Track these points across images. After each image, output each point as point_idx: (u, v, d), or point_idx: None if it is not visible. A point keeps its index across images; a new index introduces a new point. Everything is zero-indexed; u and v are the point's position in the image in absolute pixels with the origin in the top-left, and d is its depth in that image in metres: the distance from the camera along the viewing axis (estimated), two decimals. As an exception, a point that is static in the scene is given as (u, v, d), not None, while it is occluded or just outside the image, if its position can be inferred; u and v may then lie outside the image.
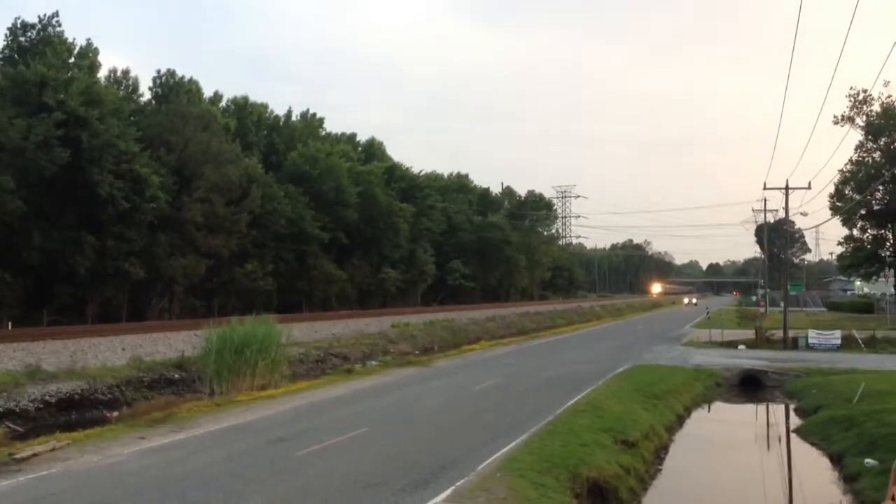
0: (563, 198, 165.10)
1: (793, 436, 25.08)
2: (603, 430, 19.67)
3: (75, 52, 54.29)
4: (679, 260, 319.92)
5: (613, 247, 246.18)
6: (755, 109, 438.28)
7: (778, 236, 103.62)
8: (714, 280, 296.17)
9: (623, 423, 20.99)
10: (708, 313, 69.48)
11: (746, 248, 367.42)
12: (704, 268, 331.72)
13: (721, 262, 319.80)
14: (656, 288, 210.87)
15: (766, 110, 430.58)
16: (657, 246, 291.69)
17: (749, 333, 52.34)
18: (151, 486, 13.98)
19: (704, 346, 47.87)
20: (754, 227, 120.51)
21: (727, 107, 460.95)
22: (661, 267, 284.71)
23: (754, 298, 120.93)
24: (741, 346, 46.74)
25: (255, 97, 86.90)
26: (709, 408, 30.74)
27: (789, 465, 21.86)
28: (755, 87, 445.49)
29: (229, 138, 63.18)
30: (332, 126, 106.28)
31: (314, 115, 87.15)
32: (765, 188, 58.64)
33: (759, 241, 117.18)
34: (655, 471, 19.58)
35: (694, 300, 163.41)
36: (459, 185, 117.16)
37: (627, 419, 21.67)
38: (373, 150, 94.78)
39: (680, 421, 26.45)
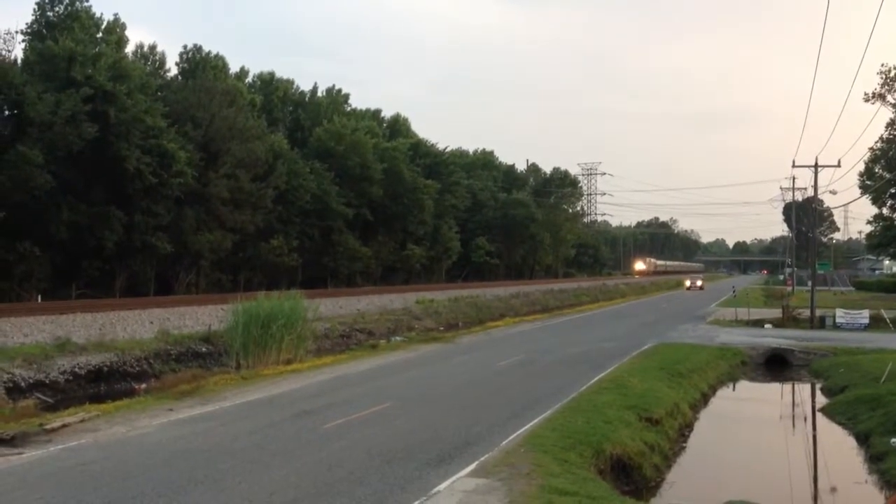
0: (588, 175, 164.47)
1: (818, 415, 24.94)
2: (627, 407, 19.65)
3: (103, 27, 54.61)
4: (705, 238, 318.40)
5: (639, 224, 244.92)
6: (785, 86, 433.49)
7: (806, 215, 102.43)
8: (741, 259, 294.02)
9: (647, 400, 20.95)
10: (734, 292, 69.02)
11: (774, 227, 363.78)
12: (731, 246, 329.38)
13: (748, 241, 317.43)
14: (639, 265, 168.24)
15: (796, 87, 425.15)
16: (683, 224, 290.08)
17: (776, 312, 51.97)
18: (179, 458, 14.15)
19: (730, 324, 47.59)
20: (782, 205, 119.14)
21: (756, 83, 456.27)
22: (688, 245, 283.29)
23: (781, 277, 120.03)
24: (767, 325, 46.43)
25: (281, 73, 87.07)
26: (734, 386, 30.62)
27: (815, 445, 21.77)
28: (785, 63, 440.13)
29: (255, 114, 63.44)
30: (358, 102, 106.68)
31: (339, 90, 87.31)
32: (793, 166, 57.94)
33: (787, 220, 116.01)
34: (680, 448, 19.56)
35: (699, 282, 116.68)
36: (484, 162, 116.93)
37: (651, 397, 21.62)
38: (398, 126, 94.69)
39: (705, 399, 26.37)
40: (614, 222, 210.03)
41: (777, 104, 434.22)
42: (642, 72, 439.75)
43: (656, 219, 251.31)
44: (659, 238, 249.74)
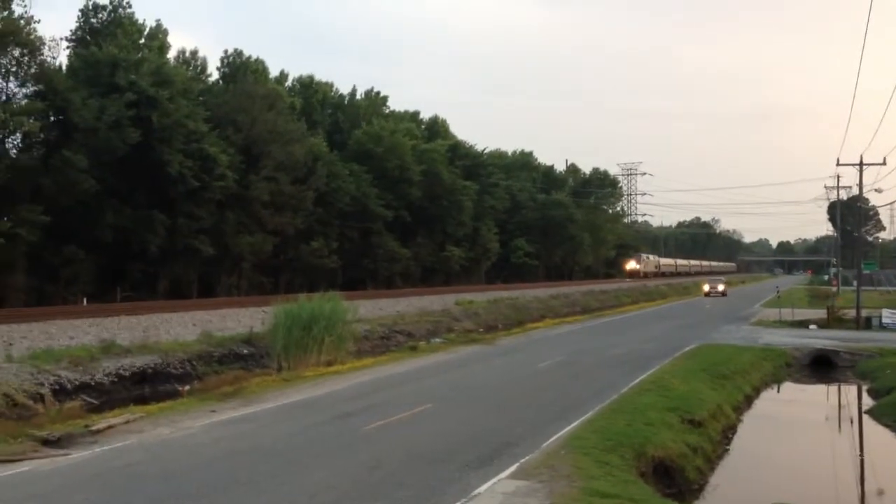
0: (628, 175, 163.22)
1: (865, 417, 24.51)
2: (669, 409, 19.45)
3: (145, 33, 55.38)
4: (748, 238, 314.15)
5: (680, 225, 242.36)
6: (829, 82, 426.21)
7: (851, 213, 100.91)
8: (785, 258, 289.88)
9: (689, 402, 20.73)
10: (778, 292, 68.10)
11: (818, 226, 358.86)
12: (775, 246, 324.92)
13: (792, 241, 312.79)
14: (632, 265, 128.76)
15: (841, 83, 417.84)
16: (726, 224, 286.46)
17: (820, 313, 51.19)
18: (222, 458, 14.29)
19: (774, 325, 46.95)
20: (826, 204, 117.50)
21: (800, 80, 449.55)
22: (730, 245, 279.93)
23: (826, 277, 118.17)
24: (812, 326, 45.76)
25: (321, 76, 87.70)
26: (778, 388, 30.21)
27: (861, 447, 21.38)
28: (829, 59, 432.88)
29: (295, 117, 63.91)
30: (396, 104, 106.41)
31: (378, 93, 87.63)
32: (838, 164, 56.67)
33: (832, 219, 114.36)
34: (723, 451, 19.34)
35: (720, 287, 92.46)
36: (523, 163, 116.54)
37: (694, 398, 21.40)
38: (436, 127, 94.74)
39: (748, 401, 26.04)
40: (655, 223, 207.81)
41: (821, 101, 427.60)
42: (685, 71, 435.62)
43: (698, 219, 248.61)
44: (700, 238, 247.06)
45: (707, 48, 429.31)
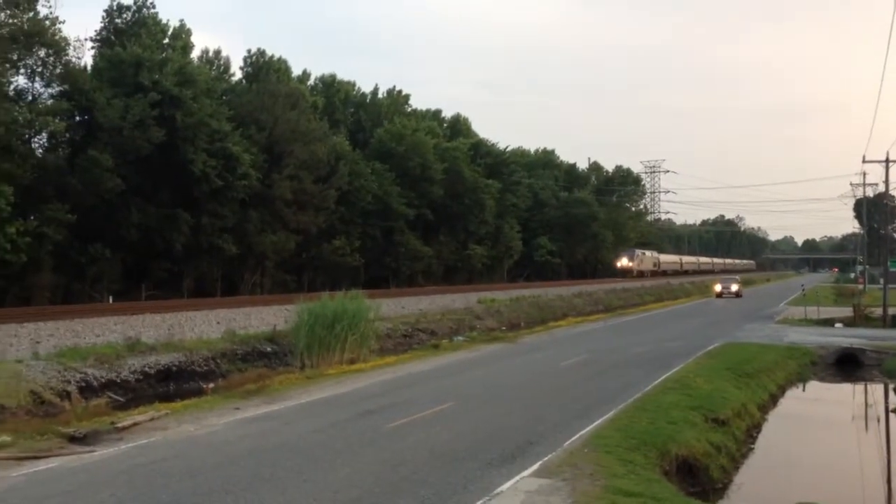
0: (651, 173, 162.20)
1: (892, 416, 24.28)
2: (692, 407, 19.35)
3: (169, 33, 55.69)
4: (773, 236, 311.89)
5: (704, 223, 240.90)
6: (854, 78, 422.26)
7: (878, 211, 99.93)
8: (810, 256, 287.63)
9: (713, 400, 20.61)
10: (803, 290, 67.56)
11: (844, 224, 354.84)
12: (800, 244, 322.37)
13: (817, 238, 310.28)
14: (624, 262, 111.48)
15: (866, 79, 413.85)
16: (750, 222, 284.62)
17: (846, 311, 50.69)
18: (246, 456, 14.37)
19: (799, 323, 46.55)
20: (853, 201, 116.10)
21: (825, 76, 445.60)
22: (754, 243, 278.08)
23: (852, 275, 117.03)
24: (838, 324, 45.31)
25: (343, 75, 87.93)
26: (803, 387, 29.98)
27: (888, 446, 21.19)
28: (854, 55, 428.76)
29: (317, 116, 64.14)
30: (418, 103, 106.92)
31: (400, 91, 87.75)
32: (864, 161, 56.23)
33: (858, 216, 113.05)
34: (748, 450, 19.22)
35: (734, 287, 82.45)
36: (545, 161, 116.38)
37: (718, 397, 21.27)
38: (458, 126, 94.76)
39: (773, 400, 25.86)
40: (679, 220, 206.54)
41: (847, 97, 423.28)
42: (707, 67, 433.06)
43: (722, 216, 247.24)
44: (725, 236, 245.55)
45: (732, 44, 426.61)
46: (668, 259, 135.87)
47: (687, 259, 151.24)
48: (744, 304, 67.24)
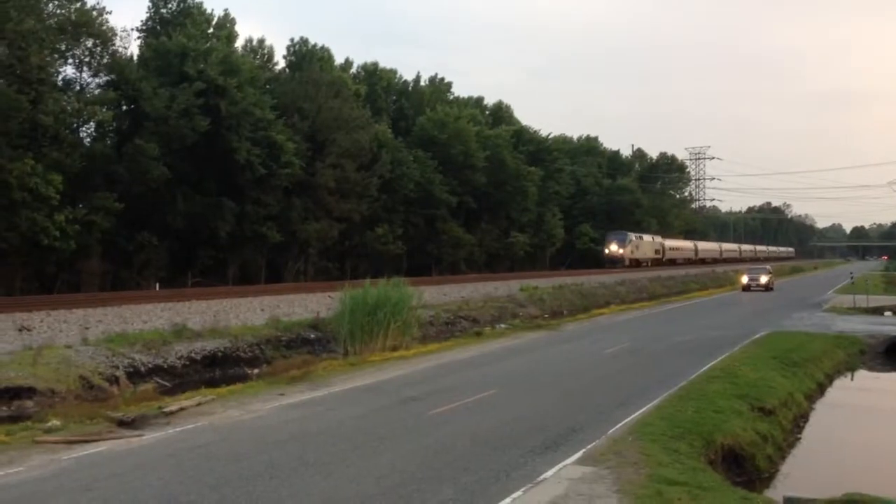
0: (696, 160, 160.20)
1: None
2: (738, 396, 19.12)
3: (213, 22, 56.25)
4: (821, 223, 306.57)
5: (749, 210, 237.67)
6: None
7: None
8: (858, 244, 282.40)
9: (759, 389, 20.33)
10: (852, 278, 66.30)
11: (894, 211, 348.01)
12: (848, 231, 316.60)
13: (866, 226, 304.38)
14: (613, 248, 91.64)
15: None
16: (797, 209, 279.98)
17: (896, 299, 49.72)
18: (290, 441, 14.50)
19: (848, 312, 45.68)
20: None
21: (875, 61, 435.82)
22: (802, 230, 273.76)
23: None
24: (888, 313, 44.46)
25: (385, 63, 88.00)
26: (852, 376, 29.44)
27: (940, 438, 20.73)
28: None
29: (360, 104, 64.28)
30: (460, 90, 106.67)
31: (442, 79, 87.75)
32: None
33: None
34: (794, 439, 18.95)
35: (763, 278, 69.56)
36: (588, 148, 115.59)
37: (764, 386, 20.97)
38: (500, 113, 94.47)
39: (821, 389, 25.44)
40: (724, 207, 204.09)
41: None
42: (755, 52, 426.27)
43: (768, 204, 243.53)
44: (771, 224, 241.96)
45: (781, 28, 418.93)
46: (675, 245, 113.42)
47: (705, 246, 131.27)
48: (790, 293, 66.15)
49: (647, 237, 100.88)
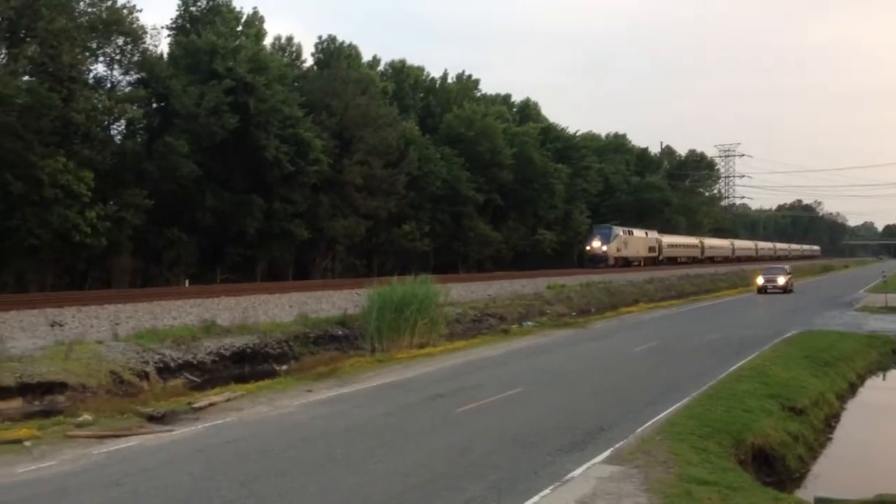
0: (725, 157, 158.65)
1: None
2: (768, 396, 18.93)
3: (242, 20, 56.55)
4: (853, 221, 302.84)
5: (780, 207, 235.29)
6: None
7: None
8: (891, 242, 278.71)
9: (790, 389, 20.12)
10: (884, 277, 65.44)
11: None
12: (880, 229, 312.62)
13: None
14: (596, 244, 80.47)
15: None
16: (829, 207, 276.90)
17: (930, 299, 48.95)
18: (318, 437, 14.55)
19: (880, 311, 45.08)
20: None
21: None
22: (833, 228, 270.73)
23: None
24: (921, 312, 43.83)
25: (412, 60, 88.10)
26: (884, 376, 29.05)
27: (975, 439, 20.43)
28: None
29: (387, 101, 64.44)
30: (488, 87, 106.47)
31: (469, 76, 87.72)
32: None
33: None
34: (826, 439, 18.74)
35: (781, 279, 63.19)
36: (616, 145, 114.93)
37: (795, 385, 20.76)
38: (528, 110, 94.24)
39: (853, 389, 25.13)
40: (754, 205, 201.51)
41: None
42: (786, 49, 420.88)
43: (799, 201, 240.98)
44: (802, 221, 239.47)
45: (813, 23, 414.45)
46: (675, 241, 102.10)
47: (714, 242, 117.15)
48: (821, 292, 65.41)
49: (638, 233, 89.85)
